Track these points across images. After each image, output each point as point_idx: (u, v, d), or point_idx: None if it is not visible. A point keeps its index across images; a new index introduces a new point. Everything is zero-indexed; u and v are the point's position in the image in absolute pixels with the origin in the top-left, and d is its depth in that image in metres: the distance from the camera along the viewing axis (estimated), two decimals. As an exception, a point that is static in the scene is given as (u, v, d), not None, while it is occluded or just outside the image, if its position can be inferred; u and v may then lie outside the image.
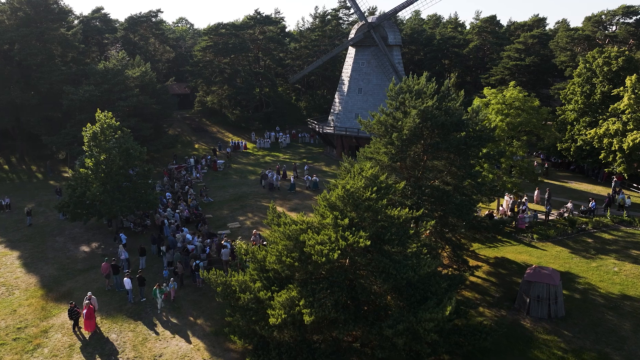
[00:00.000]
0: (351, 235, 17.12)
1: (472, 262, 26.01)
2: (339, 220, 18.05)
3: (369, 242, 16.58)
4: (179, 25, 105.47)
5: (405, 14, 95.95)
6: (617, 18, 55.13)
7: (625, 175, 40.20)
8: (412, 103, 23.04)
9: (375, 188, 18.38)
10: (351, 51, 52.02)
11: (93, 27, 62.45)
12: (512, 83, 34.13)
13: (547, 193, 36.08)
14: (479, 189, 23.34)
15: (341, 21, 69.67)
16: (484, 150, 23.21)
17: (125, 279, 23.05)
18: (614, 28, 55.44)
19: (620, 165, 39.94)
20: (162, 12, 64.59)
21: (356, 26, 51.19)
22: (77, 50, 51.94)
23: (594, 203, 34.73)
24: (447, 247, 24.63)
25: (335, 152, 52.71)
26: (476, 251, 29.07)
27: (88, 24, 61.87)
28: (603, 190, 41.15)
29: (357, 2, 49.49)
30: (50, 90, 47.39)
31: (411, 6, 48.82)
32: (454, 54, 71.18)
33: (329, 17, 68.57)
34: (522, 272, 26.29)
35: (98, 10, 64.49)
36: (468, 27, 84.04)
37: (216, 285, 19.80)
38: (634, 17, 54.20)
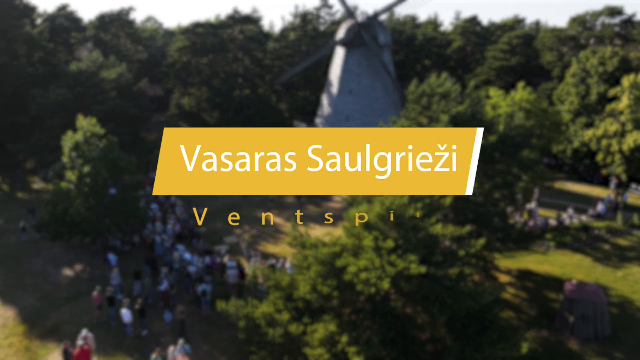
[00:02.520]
0: (400, 260, 15.05)
1: (498, 277, 24.43)
2: (379, 242, 15.96)
3: (423, 269, 14.54)
4: (148, 24, 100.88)
5: (384, 15, 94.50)
6: (601, 18, 55.18)
7: (624, 176, 39.73)
8: (441, 107, 21.17)
9: (419, 204, 16.37)
10: (339, 51, 49.99)
11: (59, 25, 58.12)
12: (520, 84, 32.87)
13: (535, 194, 34.68)
14: (511, 199, 21.74)
15: (322, 20, 67.53)
16: (523, 157, 21.55)
17: (123, 310, 20.24)
18: (599, 28, 55.45)
19: (619, 167, 39.47)
20: (134, 9, 60.87)
21: (344, 25, 49.18)
22: (45, 50, 47.91)
23: (603, 207, 33.94)
24: (474, 261, 22.93)
25: (325, 157, 50.48)
26: (494, 262, 27.55)
27: (53, 22, 57.54)
28: (602, 192, 40.61)
29: (346, 1, 47.47)
30: (16, 93, 43.34)
31: (401, 5, 47.15)
32: (436, 54, 70.23)
33: (310, 16, 66.31)
34: (550, 284, 24.96)
35: (63, 7, 60.11)
36: (447, 27, 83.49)
37: (236, 319, 17.36)
38: (618, 18, 54.36)
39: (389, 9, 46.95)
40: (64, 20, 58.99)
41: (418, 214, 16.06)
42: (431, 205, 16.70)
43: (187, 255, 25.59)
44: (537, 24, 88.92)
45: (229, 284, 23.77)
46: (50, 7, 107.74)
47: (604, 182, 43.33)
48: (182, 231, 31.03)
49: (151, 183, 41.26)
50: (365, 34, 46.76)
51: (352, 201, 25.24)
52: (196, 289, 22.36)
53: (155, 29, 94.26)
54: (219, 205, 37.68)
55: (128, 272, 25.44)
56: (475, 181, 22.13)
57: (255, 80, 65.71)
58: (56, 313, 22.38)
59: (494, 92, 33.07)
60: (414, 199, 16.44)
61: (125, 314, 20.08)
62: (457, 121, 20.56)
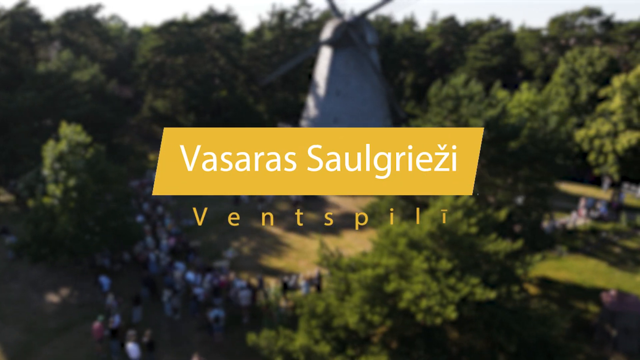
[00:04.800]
0: (461, 284, 13.52)
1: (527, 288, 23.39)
2: (433, 263, 14.38)
3: (493, 295, 13.04)
4: (111, 22, 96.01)
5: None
6: (580, 19, 55.76)
7: (616, 176, 39.83)
8: (470, 111, 19.83)
9: (473, 220, 14.89)
10: (326, 51, 48.27)
11: (20, 23, 53.81)
12: (524, 85, 32.12)
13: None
14: (543, 206, 20.67)
15: (300, 20, 65.56)
16: (558, 162, 20.49)
17: (129, 344, 17.87)
18: (578, 29, 56.03)
19: (612, 167, 39.54)
20: (103, 7, 57.16)
21: (331, 24, 47.51)
22: (7, 49, 44.02)
23: (604, 208, 33.68)
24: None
25: (312, 160, 48.67)
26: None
27: (13, 20, 53.19)
28: (596, 193, 40.64)
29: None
30: (-24, 97, 39.43)
31: (389, 4, 45.87)
32: (414, 55, 69.57)
33: (288, 15, 64.29)
34: (574, 293, 24.14)
35: (23, 4, 55.76)
36: (423, 27, 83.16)
37: (269, 353, 15.40)
38: (597, 19, 55.04)
39: (377, 7, 45.57)
40: (24, 17, 54.72)
41: (474, 230, 14.59)
42: (486, 220, 15.26)
43: (191, 275, 23.29)
44: (507, 23, 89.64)
45: (239, 306, 21.69)
46: (8, 4, 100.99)
47: (595, 182, 43.46)
48: (175, 246, 28.59)
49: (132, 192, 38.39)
50: (353, 33, 45.27)
51: (373, 212, 23.76)
52: (207, 315, 20.13)
53: (120, 28, 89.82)
54: (210, 216, 35.27)
55: (123, 294, 22.89)
56: (506, 189, 21.07)
57: (233, 81, 63.25)
58: (47, 348, 19.68)
59: (499, 94, 32.15)
60: (466, 214, 14.95)
61: (133, 349, 17.73)
62: (490, 125, 19.27)
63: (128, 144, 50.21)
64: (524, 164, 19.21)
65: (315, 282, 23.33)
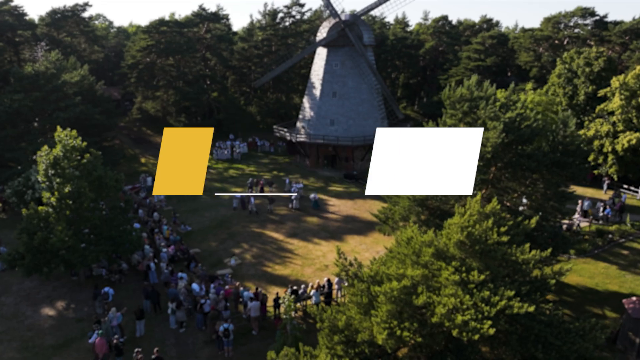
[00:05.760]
0: (496, 297, 12.81)
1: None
2: (464, 275, 13.64)
3: (532, 308, 12.35)
4: (96, 22, 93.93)
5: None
6: (574, 19, 55.83)
7: (616, 177, 39.76)
8: (489, 113, 19.17)
9: (504, 228, 14.19)
10: (321, 52, 47.49)
11: (3, 22, 52.02)
12: (529, 85, 31.71)
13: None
14: (560, 210, 20.13)
15: (293, 19, 64.66)
16: (579, 166, 19.92)
17: (137, 363, 16.86)
18: (573, 29, 56.09)
19: (611, 167, 39.46)
20: (90, 5, 55.36)
21: (326, 24, 46.77)
22: (-9, 49, 42.37)
23: (608, 209, 33.44)
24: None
25: (309, 162, 47.91)
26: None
27: (-3, 18, 51.43)
28: (596, 193, 40.45)
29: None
30: (-41, 99, 37.79)
31: (385, 4, 45.18)
32: (407, 54, 69.14)
33: (280, 14, 63.33)
34: (589, 298, 23.71)
35: (6, 1, 53.92)
36: (413, 26, 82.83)
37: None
38: (590, 19, 55.17)
39: (373, 8, 44.89)
40: (7, 15, 52.90)
41: (505, 239, 13.89)
42: (516, 227, 14.57)
43: (196, 286, 22.25)
44: (497, 23, 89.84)
45: (248, 317, 20.75)
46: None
47: (593, 182, 43.32)
48: (175, 254, 27.50)
49: (125, 197, 37.12)
50: (350, 33, 44.56)
51: (386, 218, 23.00)
52: (216, 328, 19.14)
53: (105, 28, 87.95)
54: (207, 221, 34.25)
55: (123, 306, 21.75)
56: (518, 194, 20.47)
57: (225, 82, 62.14)
58: (46, 367, 18.56)
59: (500, 94, 31.67)
60: (496, 223, 14.25)
61: (140, 367, 16.72)
62: (508, 128, 18.65)
63: (119, 148, 48.84)
64: (543, 168, 18.64)
65: (326, 291, 22.50)
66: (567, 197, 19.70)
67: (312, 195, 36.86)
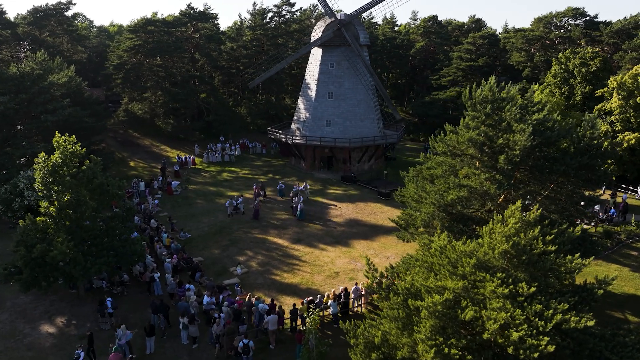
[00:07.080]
0: (549, 311, 12.14)
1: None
2: (511, 287, 12.94)
3: (592, 322, 11.72)
4: (76, 21, 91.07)
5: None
6: (565, 19, 56.15)
7: (614, 177, 39.85)
8: (514, 115, 18.55)
9: (549, 237, 13.54)
10: (316, 52, 46.58)
11: (-19, 20, 49.82)
12: (535, 86, 31.38)
13: None
14: (585, 214, 19.68)
15: (283, 19, 63.58)
16: (607, 169, 19.46)
17: (154, 385, 15.70)
18: (562, 30, 56.39)
19: (610, 167, 39.49)
20: (74, 4, 53.30)
21: (321, 24, 45.87)
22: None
23: (613, 210, 33.38)
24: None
25: (304, 165, 46.96)
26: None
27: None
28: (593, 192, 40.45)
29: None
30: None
31: (382, 3, 44.51)
32: (397, 54, 68.74)
33: (270, 14, 62.18)
34: (609, 302, 23.37)
35: (-17, 0, 51.72)
36: (401, 25, 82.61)
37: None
38: (581, 19, 55.53)
39: (369, 7, 44.15)
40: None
41: (552, 248, 13.25)
42: (562, 236, 13.95)
43: (207, 299, 21.11)
44: (478, 20, 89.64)
45: (265, 330, 19.74)
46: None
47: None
48: (178, 263, 26.27)
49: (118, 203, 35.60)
50: (346, 33, 43.76)
51: (406, 224, 22.22)
52: (235, 344, 18.07)
53: (86, 27, 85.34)
54: (206, 227, 33.02)
55: (127, 321, 20.52)
56: (542, 197, 19.93)
57: (215, 83, 60.69)
58: (51, 391, 17.23)
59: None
60: (542, 232, 13.60)
61: (159, 390, 15.58)
62: (535, 130, 18.06)
63: (109, 151, 47.10)
64: (571, 171, 18.14)
65: (343, 300, 21.64)
66: (594, 200, 19.25)
67: (299, 206, 34.63)
